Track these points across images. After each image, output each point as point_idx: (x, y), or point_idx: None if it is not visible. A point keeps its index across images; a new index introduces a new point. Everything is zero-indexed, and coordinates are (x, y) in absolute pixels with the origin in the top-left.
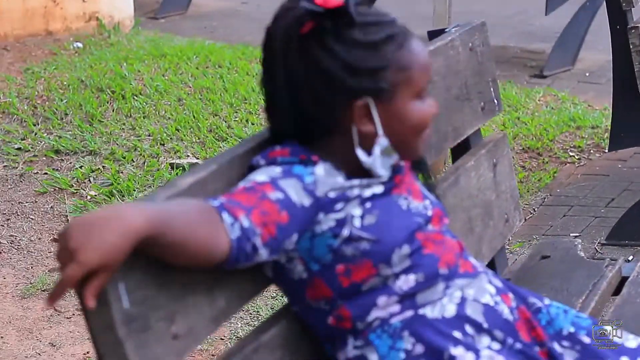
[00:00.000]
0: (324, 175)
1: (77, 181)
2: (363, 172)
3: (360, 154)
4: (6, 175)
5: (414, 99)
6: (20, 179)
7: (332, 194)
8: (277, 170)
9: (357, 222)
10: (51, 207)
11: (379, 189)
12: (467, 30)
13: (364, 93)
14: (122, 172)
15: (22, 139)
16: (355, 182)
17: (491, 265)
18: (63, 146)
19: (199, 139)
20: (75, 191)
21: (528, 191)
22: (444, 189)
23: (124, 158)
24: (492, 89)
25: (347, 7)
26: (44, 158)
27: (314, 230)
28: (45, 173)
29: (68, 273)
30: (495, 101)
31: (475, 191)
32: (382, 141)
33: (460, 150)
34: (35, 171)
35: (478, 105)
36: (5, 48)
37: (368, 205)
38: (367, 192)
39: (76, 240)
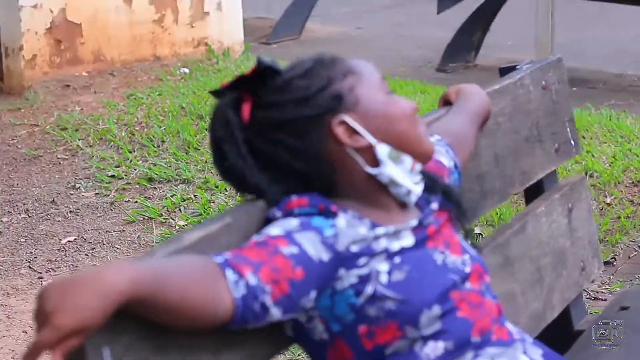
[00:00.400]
0: (346, 227)
1: (167, 210)
2: (390, 216)
3: (370, 169)
4: (97, 203)
5: (380, 94)
6: (110, 207)
7: (354, 248)
8: (293, 222)
9: (383, 279)
10: (138, 236)
11: (408, 241)
12: (540, 67)
13: (330, 113)
14: (213, 202)
15: (116, 166)
16: (381, 231)
17: (565, 316)
18: (156, 174)
19: None
20: (164, 220)
21: (634, 227)
22: (507, 237)
23: (217, 187)
24: (568, 129)
25: (263, 62)
26: (137, 186)
27: (335, 287)
28: (136, 201)
29: (42, 336)
30: (572, 142)
31: (546, 238)
32: (381, 148)
33: (534, 194)
34: (127, 199)
35: (552, 146)
36: (111, 73)
37: (397, 260)
38: (395, 245)
39: (52, 302)
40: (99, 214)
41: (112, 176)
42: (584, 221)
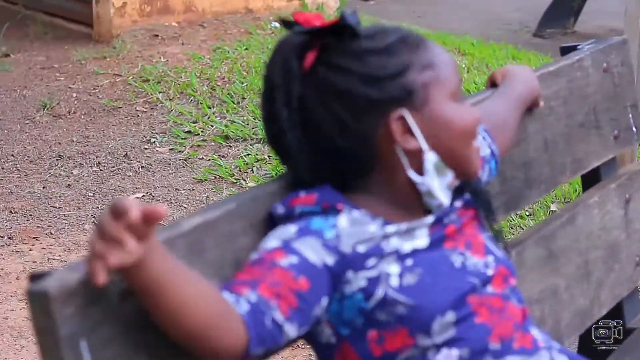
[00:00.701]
0: (349, 227)
1: (239, 170)
2: (406, 213)
3: (414, 175)
4: (170, 159)
5: (450, 101)
6: (182, 164)
7: (361, 248)
8: (291, 230)
9: (394, 282)
10: (207, 196)
11: (422, 242)
12: (602, 48)
13: (394, 104)
14: None
15: (193, 122)
16: (392, 229)
17: (616, 313)
18: (233, 132)
19: None
20: (235, 181)
21: None
22: (554, 229)
23: None
24: (630, 115)
25: (345, 19)
26: (212, 143)
27: (344, 292)
28: (210, 159)
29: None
30: (634, 129)
31: (597, 230)
32: (430, 156)
33: (591, 183)
34: (200, 157)
35: (610, 133)
36: (201, 24)
37: (409, 262)
38: (407, 246)
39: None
40: (170, 171)
41: (188, 132)
42: None
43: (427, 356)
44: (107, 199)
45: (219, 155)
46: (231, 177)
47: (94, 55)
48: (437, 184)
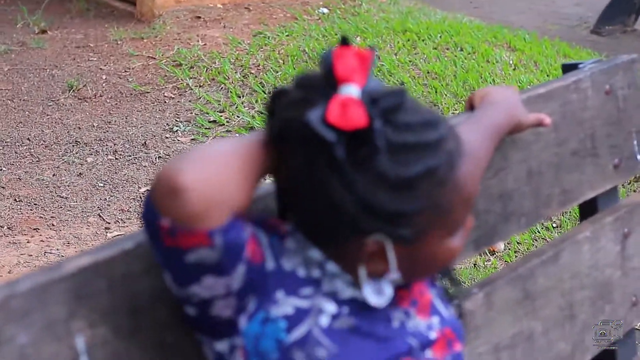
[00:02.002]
0: (294, 247)
1: None
2: None
3: (369, 294)
4: (189, 149)
5: (446, 238)
6: None
7: (301, 272)
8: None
9: (324, 321)
10: None
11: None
12: (606, 68)
13: (380, 232)
14: None
15: (220, 111)
16: (335, 269)
17: (608, 358)
18: (258, 124)
19: None
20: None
21: None
22: (532, 267)
23: None
24: (635, 142)
25: (372, 130)
26: (236, 135)
27: (269, 312)
28: None
29: None
30: (639, 156)
31: (586, 269)
32: (392, 276)
33: (589, 216)
34: None
35: (610, 162)
36: (247, 7)
37: (345, 309)
38: (347, 293)
39: None
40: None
41: (213, 121)
42: None
43: None
44: (117, 191)
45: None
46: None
47: (131, 36)
48: (377, 300)
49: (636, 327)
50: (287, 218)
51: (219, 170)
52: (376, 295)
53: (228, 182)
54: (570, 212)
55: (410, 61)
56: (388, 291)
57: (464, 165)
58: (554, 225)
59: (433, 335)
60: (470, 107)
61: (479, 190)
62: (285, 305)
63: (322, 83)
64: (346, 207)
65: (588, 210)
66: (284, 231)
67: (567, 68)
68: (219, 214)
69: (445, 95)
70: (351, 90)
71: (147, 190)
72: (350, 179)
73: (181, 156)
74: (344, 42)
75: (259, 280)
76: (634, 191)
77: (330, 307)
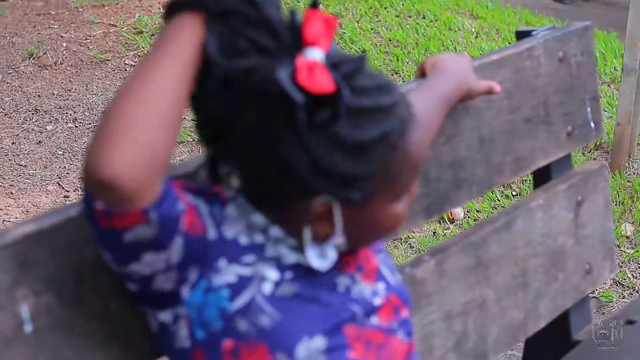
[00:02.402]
0: (236, 214)
1: None
2: None
3: (312, 257)
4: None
5: (392, 202)
6: None
7: (243, 239)
8: None
9: (266, 289)
10: (182, 159)
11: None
12: (560, 35)
13: (328, 194)
14: None
15: None
16: (278, 233)
17: (560, 325)
18: None
19: None
20: None
21: None
22: (485, 235)
23: None
24: (588, 109)
25: (338, 97)
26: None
27: (211, 281)
28: (193, 120)
29: None
30: (592, 124)
31: (539, 237)
32: (337, 240)
33: (542, 183)
34: (184, 116)
35: (563, 129)
36: None
37: (288, 274)
38: (291, 258)
39: None
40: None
41: None
42: (598, 216)
43: None
44: (77, 159)
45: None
46: None
47: (92, 3)
48: (320, 263)
49: (589, 295)
50: (222, 182)
51: (142, 142)
52: (319, 258)
53: (154, 150)
54: (529, 180)
55: (372, 29)
56: (332, 255)
57: (414, 132)
58: (514, 193)
59: (377, 301)
60: (422, 74)
61: (426, 158)
62: (227, 273)
63: (286, 39)
64: (298, 167)
65: (541, 178)
66: (225, 197)
67: (521, 35)
68: (151, 190)
69: (407, 63)
70: (316, 54)
71: None
72: (307, 140)
73: (98, 139)
74: (314, 5)
75: (200, 251)
76: (594, 159)
77: (273, 274)
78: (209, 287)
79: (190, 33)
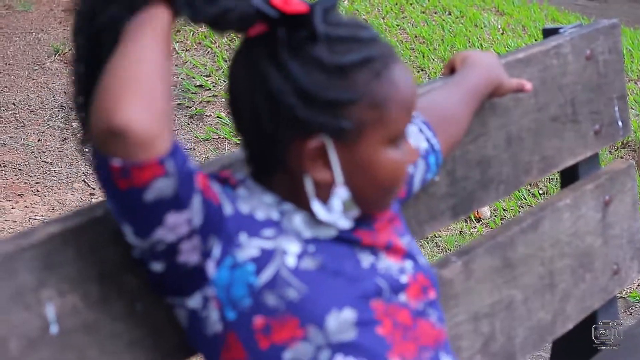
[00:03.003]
0: (248, 196)
1: None
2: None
3: (318, 208)
4: (176, 114)
5: (387, 145)
6: (188, 121)
7: (259, 214)
8: None
9: (290, 261)
10: (207, 157)
11: (328, 233)
12: (587, 33)
13: (319, 130)
14: None
15: (206, 76)
16: (290, 208)
17: (587, 326)
18: None
19: None
20: (238, 142)
21: None
22: (512, 235)
23: None
24: (616, 108)
25: (312, 16)
26: (223, 100)
27: (236, 256)
28: (217, 117)
29: None
30: (620, 123)
31: (566, 237)
32: (341, 192)
33: (569, 183)
34: (208, 113)
35: (590, 128)
36: None
37: (311, 247)
38: (307, 233)
39: None
40: (174, 128)
41: (200, 86)
42: (625, 216)
43: (318, 358)
44: None
45: (228, 113)
46: (235, 137)
47: None
48: (335, 218)
49: (617, 295)
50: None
51: (146, 91)
52: (327, 211)
53: (156, 99)
54: (556, 179)
55: (397, 25)
56: (337, 206)
57: (400, 70)
58: (540, 192)
59: (404, 278)
60: (451, 70)
61: (453, 154)
62: (249, 247)
63: None
64: (284, 94)
65: (569, 177)
66: (235, 181)
67: (548, 32)
68: (163, 138)
69: (433, 59)
70: None
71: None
72: (288, 64)
73: (103, 95)
74: None
75: (218, 221)
76: (620, 157)
77: (294, 247)
78: (234, 263)
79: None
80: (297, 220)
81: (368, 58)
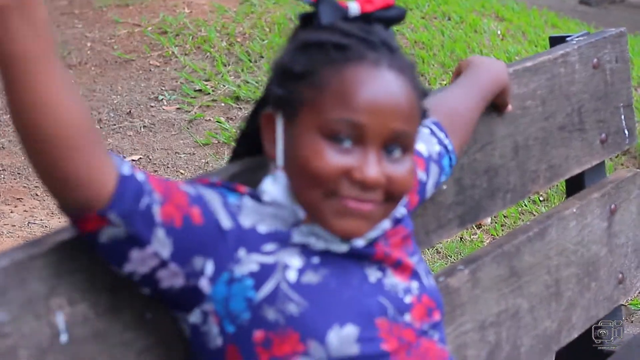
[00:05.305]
0: (252, 205)
1: None
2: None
3: (267, 183)
4: (175, 119)
5: (319, 135)
6: (187, 125)
7: (262, 228)
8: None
9: (291, 276)
10: (206, 162)
11: (340, 247)
12: (594, 41)
13: (273, 101)
14: None
15: (205, 80)
16: (303, 215)
17: (589, 337)
18: (244, 93)
19: None
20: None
21: None
22: (518, 244)
23: None
24: (622, 117)
25: (319, 8)
26: (222, 104)
27: (233, 272)
28: (217, 121)
29: None
30: (626, 132)
31: (572, 245)
32: (278, 176)
33: (575, 191)
34: (207, 118)
35: (596, 137)
36: None
37: (315, 260)
38: (319, 245)
39: None
40: (173, 132)
41: (199, 90)
42: (631, 225)
43: None
44: None
45: (227, 117)
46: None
47: (116, 3)
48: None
49: (622, 304)
50: None
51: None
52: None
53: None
54: (557, 185)
55: (397, 30)
56: (267, 185)
57: (377, 79)
58: (541, 198)
59: (409, 299)
60: (458, 74)
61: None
62: (248, 262)
63: None
64: (272, 72)
65: (575, 185)
66: (243, 191)
67: (555, 41)
68: (100, 192)
69: (433, 65)
70: None
71: (133, 160)
72: (286, 47)
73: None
74: None
75: (202, 241)
76: (622, 165)
77: (296, 261)
78: (231, 278)
79: None
80: (309, 235)
81: (339, 45)
